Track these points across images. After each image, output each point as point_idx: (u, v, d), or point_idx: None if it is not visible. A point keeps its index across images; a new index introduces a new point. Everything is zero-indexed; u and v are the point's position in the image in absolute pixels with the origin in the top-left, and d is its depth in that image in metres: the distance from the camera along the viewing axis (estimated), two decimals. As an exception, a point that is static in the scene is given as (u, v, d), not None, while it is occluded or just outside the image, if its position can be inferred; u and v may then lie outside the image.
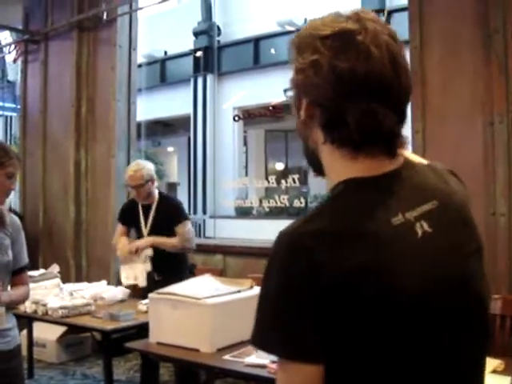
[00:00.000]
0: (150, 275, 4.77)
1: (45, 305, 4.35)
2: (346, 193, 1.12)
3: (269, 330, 1.07)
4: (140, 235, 4.89)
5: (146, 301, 4.34)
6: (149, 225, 4.84)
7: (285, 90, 1.25)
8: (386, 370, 1.04)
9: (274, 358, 3.00)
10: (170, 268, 4.72)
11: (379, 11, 13.33)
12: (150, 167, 4.82)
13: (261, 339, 1.09)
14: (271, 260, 1.10)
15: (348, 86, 1.09)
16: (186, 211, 5.20)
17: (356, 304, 1.01)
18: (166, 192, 4.86)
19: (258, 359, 3.04)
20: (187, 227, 4.83)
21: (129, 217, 4.95)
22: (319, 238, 1.04)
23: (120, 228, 5.03)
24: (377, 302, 1.02)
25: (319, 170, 1.24)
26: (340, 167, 1.16)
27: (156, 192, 4.87)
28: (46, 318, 4.42)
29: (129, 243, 4.81)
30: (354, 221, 1.06)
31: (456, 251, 1.14)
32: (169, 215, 4.78)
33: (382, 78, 1.10)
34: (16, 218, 2.96)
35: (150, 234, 4.82)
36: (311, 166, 1.26)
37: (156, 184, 4.87)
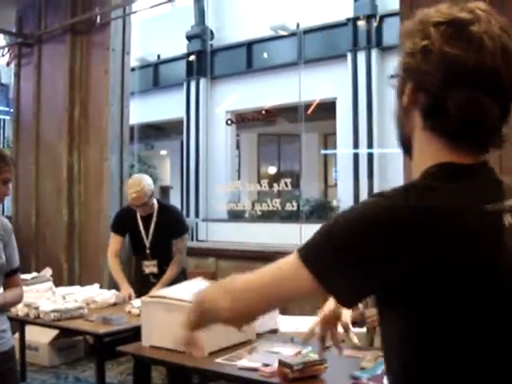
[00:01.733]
0: (147, 278, 4.80)
1: (37, 308, 4.34)
2: (441, 175, 1.14)
3: (321, 251, 1.11)
4: (141, 245, 4.90)
5: (136, 303, 4.36)
6: (150, 235, 4.85)
7: (391, 76, 1.27)
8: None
9: (266, 361, 3.00)
10: (165, 271, 4.78)
11: (371, 16, 13.40)
12: (149, 182, 4.77)
13: (302, 247, 1.14)
14: (364, 212, 1.10)
15: (456, 74, 1.09)
16: (186, 221, 5.22)
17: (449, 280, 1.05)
18: (158, 196, 4.86)
19: (250, 362, 3.05)
20: (184, 242, 4.93)
21: (126, 226, 4.94)
22: (421, 214, 1.06)
23: (115, 240, 5.01)
24: (468, 280, 1.06)
25: (411, 156, 1.26)
26: (432, 154, 1.17)
27: (155, 201, 4.89)
28: (38, 322, 4.41)
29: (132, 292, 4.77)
30: (451, 201, 1.08)
31: None
32: (169, 227, 4.80)
33: (492, 70, 1.09)
34: (7, 221, 2.96)
35: (152, 244, 4.84)
36: (404, 151, 1.27)
37: None
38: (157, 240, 4.84)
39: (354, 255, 1.07)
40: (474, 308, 1.07)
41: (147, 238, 4.86)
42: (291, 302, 1.23)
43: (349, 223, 1.10)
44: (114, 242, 5.00)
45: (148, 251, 4.87)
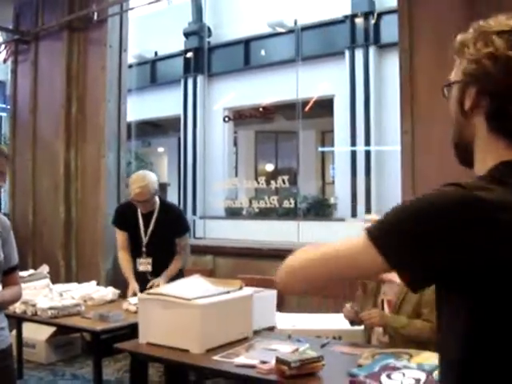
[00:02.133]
0: (143, 276, 4.78)
1: (34, 305, 4.34)
2: (507, 172, 1.18)
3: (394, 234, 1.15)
4: (138, 242, 4.89)
5: (133, 300, 4.36)
6: (149, 233, 4.83)
7: (445, 86, 1.33)
8: None
9: (263, 358, 3.00)
10: (163, 269, 4.77)
11: (369, 13, 13.39)
12: (154, 179, 4.76)
13: (371, 229, 1.18)
14: (437, 200, 1.14)
15: None
16: (187, 219, 5.22)
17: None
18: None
19: (248, 359, 3.05)
20: (188, 240, 5.04)
21: (127, 222, 4.92)
22: (492, 195, 1.10)
23: (121, 237, 4.99)
24: None
25: (466, 161, 1.32)
26: (495, 154, 1.22)
27: (157, 199, 4.87)
28: (35, 319, 4.41)
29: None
30: None
31: None
32: (171, 225, 4.80)
33: None
34: (5, 218, 2.95)
35: (149, 242, 4.83)
36: (459, 157, 1.34)
37: None
38: (155, 238, 4.83)
39: (422, 240, 1.11)
40: None
41: (145, 235, 4.85)
42: (351, 278, 1.30)
43: (418, 208, 1.15)
44: (120, 237, 4.98)
45: (144, 249, 4.86)
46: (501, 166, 1.19)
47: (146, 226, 4.84)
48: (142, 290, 4.66)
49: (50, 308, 4.26)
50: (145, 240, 4.84)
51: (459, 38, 1.29)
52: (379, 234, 1.16)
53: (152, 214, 4.84)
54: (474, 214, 1.09)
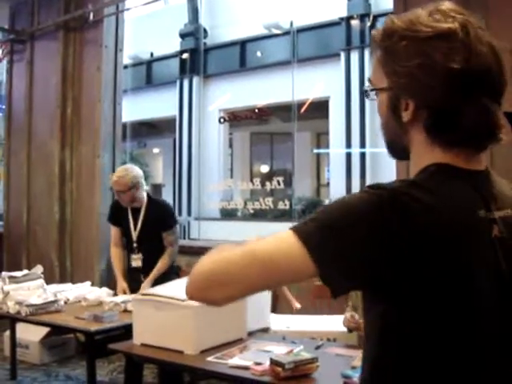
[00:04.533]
0: (136, 276, 4.79)
1: (28, 305, 4.32)
2: (440, 175, 1.15)
3: (316, 231, 1.08)
4: (129, 237, 4.93)
5: (118, 299, 4.39)
6: (138, 228, 4.87)
7: (365, 91, 1.32)
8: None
9: (257, 359, 3.00)
10: (149, 266, 4.77)
11: (365, 15, 13.40)
12: (136, 173, 4.81)
13: (302, 229, 1.09)
14: (362, 199, 1.09)
15: (462, 86, 1.11)
16: (175, 214, 5.22)
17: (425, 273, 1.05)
18: (151, 193, 4.89)
19: (242, 361, 3.05)
20: (175, 235, 4.95)
21: (118, 217, 4.99)
22: (417, 202, 1.06)
23: (114, 232, 5.06)
24: (446, 275, 1.07)
25: (402, 158, 1.28)
26: (430, 159, 1.18)
27: (144, 195, 4.90)
28: (29, 319, 4.40)
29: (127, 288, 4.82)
30: (445, 201, 1.10)
31: None
32: (158, 219, 4.82)
33: (491, 73, 1.13)
34: None
35: (140, 237, 4.85)
36: (394, 156, 1.30)
37: (145, 187, 4.91)
38: (144, 234, 4.86)
39: (345, 246, 1.06)
40: (452, 310, 1.09)
41: (135, 230, 4.88)
42: (282, 284, 1.21)
43: (341, 212, 1.10)
44: (113, 233, 5.06)
45: (135, 245, 4.89)
46: (433, 167, 1.17)
47: (135, 222, 4.88)
48: (133, 288, 4.68)
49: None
50: (134, 236, 4.87)
51: (374, 35, 1.24)
52: (309, 238, 1.08)
53: (140, 210, 4.87)
54: (375, 218, 1.05)
